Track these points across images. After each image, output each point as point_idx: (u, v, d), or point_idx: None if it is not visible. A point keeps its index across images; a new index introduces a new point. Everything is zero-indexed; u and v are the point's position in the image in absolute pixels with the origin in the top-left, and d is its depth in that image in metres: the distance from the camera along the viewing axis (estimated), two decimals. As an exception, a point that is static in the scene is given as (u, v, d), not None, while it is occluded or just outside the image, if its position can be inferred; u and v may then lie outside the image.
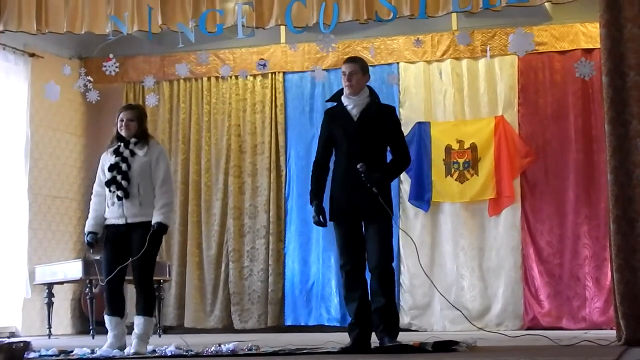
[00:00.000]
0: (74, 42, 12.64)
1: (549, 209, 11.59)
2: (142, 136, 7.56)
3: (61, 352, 7.32)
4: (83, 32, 10.05)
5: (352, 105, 7.13)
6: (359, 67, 7.18)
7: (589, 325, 11.09)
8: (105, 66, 10.49)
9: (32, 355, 7.08)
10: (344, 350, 6.72)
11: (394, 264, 7.10)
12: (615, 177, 7.23)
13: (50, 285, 11.67)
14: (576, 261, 11.45)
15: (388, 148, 7.20)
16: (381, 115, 7.14)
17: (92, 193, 7.74)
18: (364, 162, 6.86)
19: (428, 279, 9.62)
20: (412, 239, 7.43)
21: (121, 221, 7.40)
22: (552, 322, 11.33)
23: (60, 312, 12.37)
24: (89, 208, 7.75)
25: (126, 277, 7.57)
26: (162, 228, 7.38)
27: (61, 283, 11.77)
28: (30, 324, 11.92)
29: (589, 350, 6.56)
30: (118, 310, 7.53)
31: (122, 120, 7.53)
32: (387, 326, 6.91)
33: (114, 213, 7.43)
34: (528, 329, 11.09)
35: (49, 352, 7.28)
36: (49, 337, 11.29)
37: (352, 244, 7.02)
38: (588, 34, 11.43)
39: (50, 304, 11.63)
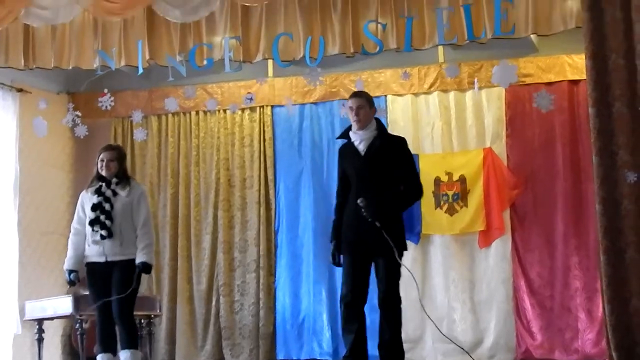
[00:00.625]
0: (61, 76, 12.65)
1: (539, 239, 11.57)
2: (123, 176, 7.65)
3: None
4: (71, 67, 10.07)
5: (359, 140, 7.16)
6: (365, 100, 7.22)
7: (582, 357, 11.06)
8: (100, 101, 10.48)
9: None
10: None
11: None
12: (604, 208, 7.26)
13: (40, 321, 11.60)
14: (567, 292, 11.40)
15: None
16: (390, 148, 7.14)
17: (70, 231, 7.79)
18: (373, 196, 6.88)
19: (426, 314, 9.58)
20: (411, 273, 7.42)
21: (101, 259, 7.51)
22: (545, 354, 11.28)
23: (51, 348, 12.29)
24: None
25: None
26: (147, 267, 7.49)
27: (51, 319, 11.71)
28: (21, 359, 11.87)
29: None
30: (111, 347, 7.57)
31: (102, 161, 7.62)
32: None
33: (94, 251, 7.52)
34: (520, 361, 11.07)
35: (38, 389, 7.24)
36: (39, 373, 11.25)
37: (355, 277, 7.03)
38: (574, 65, 11.45)
39: (40, 340, 11.56)
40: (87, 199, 7.64)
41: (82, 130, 10.49)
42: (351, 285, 7.00)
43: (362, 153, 7.07)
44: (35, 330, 11.60)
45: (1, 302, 11.67)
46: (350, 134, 7.21)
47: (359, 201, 6.85)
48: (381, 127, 7.26)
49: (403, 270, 7.09)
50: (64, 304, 11.08)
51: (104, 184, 7.58)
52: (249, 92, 11.97)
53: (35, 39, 10.00)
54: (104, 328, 7.59)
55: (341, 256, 7.16)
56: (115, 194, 7.56)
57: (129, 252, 7.52)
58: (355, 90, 8.97)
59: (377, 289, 7.04)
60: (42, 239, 12.54)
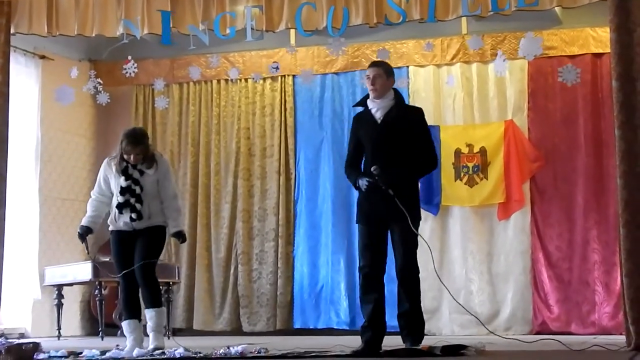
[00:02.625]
0: (84, 44, 12.67)
1: (558, 213, 11.57)
2: (149, 158, 7.65)
3: (70, 353, 7.34)
4: (94, 34, 10.06)
5: (376, 108, 7.15)
6: (383, 70, 7.19)
7: (598, 330, 11.07)
8: (124, 68, 10.49)
9: (41, 356, 7.09)
10: (355, 353, 6.73)
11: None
12: (625, 182, 7.23)
13: (59, 287, 11.71)
14: (585, 266, 11.42)
15: None
16: (406, 118, 7.13)
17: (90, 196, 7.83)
18: (388, 164, 6.88)
19: (442, 283, 9.60)
20: (426, 242, 7.41)
21: (129, 228, 7.55)
22: (561, 327, 11.31)
23: (70, 314, 12.40)
24: None
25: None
26: (183, 236, 7.64)
27: (71, 285, 11.82)
28: (39, 325, 11.96)
29: (598, 355, 6.55)
30: (136, 313, 7.65)
31: (128, 154, 7.57)
32: (411, 331, 6.96)
33: (121, 225, 7.57)
34: (537, 333, 11.08)
35: (58, 354, 7.28)
36: (59, 339, 11.34)
37: (372, 247, 7.03)
38: (598, 38, 11.41)
39: (59, 306, 11.68)
40: (112, 175, 7.62)
41: (103, 98, 10.50)
42: (369, 255, 7.01)
43: (379, 121, 7.07)
44: (55, 296, 11.72)
45: (22, 268, 11.76)
46: (368, 102, 7.21)
47: (372, 169, 6.85)
48: (399, 97, 7.24)
49: (421, 241, 7.09)
50: (84, 270, 11.18)
51: (129, 165, 7.59)
52: (274, 62, 11.96)
53: (59, 6, 9.99)
54: (129, 295, 7.65)
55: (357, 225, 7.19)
56: (142, 173, 7.58)
57: (155, 220, 7.59)
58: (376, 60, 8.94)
59: (394, 259, 7.05)
60: (62, 206, 12.62)
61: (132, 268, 7.56)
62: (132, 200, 7.55)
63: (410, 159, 7.08)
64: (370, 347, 6.83)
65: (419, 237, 7.03)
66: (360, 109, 7.38)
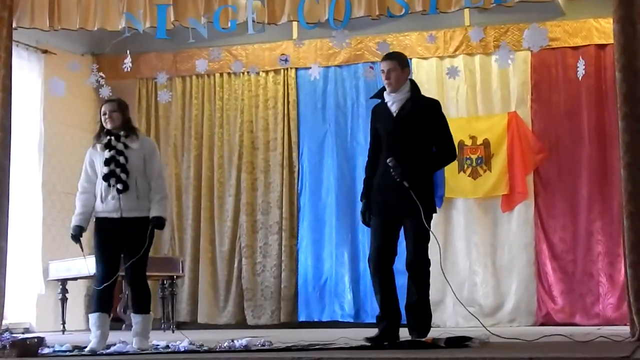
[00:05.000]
0: (86, 38, 12.69)
1: (562, 205, 11.58)
2: (129, 128, 7.51)
3: (75, 347, 7.33)
4: (96, 28, 10.04)
5: (392, 101, 7.12)
6: (397, 63, 7.15)
7: (602, 321, 11.09)
8: (124, 63, 10.49)
9: (46, 350, 7.09)
10: (369, 340, 6.73)
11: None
12: (629, 174, 7.21)
13: (64, 281, 11.73)
14: (589, 257, 11.43)
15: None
16: (423, 110, 7.10)
17: (77, 191, 7.64)
18: (404, 158, 6.87)
19: (445, 279, 9.60)
20: (436, 238, 7.40)
21: (116, 215, 7.26)
22: (565, 318, 11.33)
23: (74, 308, 12.40)
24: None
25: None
26: (161, 222, 7.34)
27: (75, 279, 11.82)
28: (44, 319, 11.98)
29: (603, 346, 6.54)
30: (107, 307, 7.44)
31: (104, 114, 7.45)
32: (417, 323, 6.95)
33: (109, 207, 7.27)
34: (541, 325, 11.11)
35: (63, 348, 7.28)
36: (63, 333, 11.36)
37: (382, 238, 7.02)
38: (601, 29, 11.39)
39: (64, 300, 11.70)
40: (97, 155, 7.44)
41: (106, 92, 10.49)
42: (378, 245, 6.99)
43: (394, 114, 7.05)
44: (59, 290, 11.73)
45: (25, 263, 11.77)
46: (385, 94, 7.19)
47: (388, 161, 6.83)
48: (415, 89, 7.21)
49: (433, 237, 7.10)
50: (88, 264, 11.16)
51: (112, 138, 7.42)
52: (283, 54, 11.95)
53: (61, 0, 9.99)
54: (104, 287, 7.39)
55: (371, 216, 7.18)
56: (126, 146, 7.41)
57: (144, 206, 7.27)
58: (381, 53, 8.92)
59: (406, 252, 7.04)
60: (66, 200, 12.60)
61: (112, 271, 7.35)
62: (118, 170, 7.32)
63: (426, 152, 7.08)
64: (384, 336, 6.83)
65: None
66: (377, 100, 7.36)
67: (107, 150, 7.38)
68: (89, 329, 12.15)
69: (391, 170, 6.85)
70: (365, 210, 7.13)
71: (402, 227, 7.06)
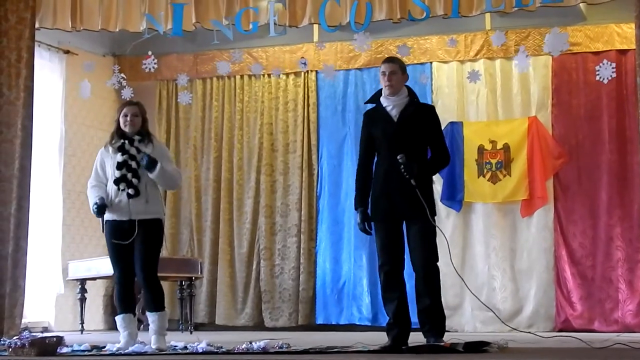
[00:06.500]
0: (108, 39, 12.72)
1: (582, 210, 11.52)
2: (145, 133, 7.52)
3: (93, 347, 7.37)
4: (117, 29, 10.10)
5: (391, 105, 7.12)
6: (398, 67, 7.18)
7: (621, 328, 11.03)
8: (144, 64, 10.52)
9: (64, 350, 7.13)
10: (383, 349, 6.72)
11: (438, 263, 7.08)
12: (649, 179, 7.20)
13: (83, 281, 11.77)
14: (609, 263, 11.37)
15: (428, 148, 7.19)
16: (420, 115, 7.12)
17: (87, 187, 7.65)
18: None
19: (460, 278, 9.58)
20: (444, 235, 7.38)
21: (124, 217, 7.30)
22: (584, 324, 11.26)
23: (93, 308, 12.46)
24: None
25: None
26: (154, 163, 7.27)
27: (94, 279, 11.86)
28: (63, 319, 12.02)
29: (621, 352, 6.51)
30: (131, 307, 7.53)
31: (126, 116, 7.44)
32: (432, 326, 6.93)
33: (118, 210, 7.30)
34: (559, 331, 11.04)
35: (82, 348, 7.32)
36: (82, 333, 11.39)
37: (391, 244, 7.01)
38: (623, 34, 11.35)
39: (83, 300, 11.74)
40: (109, 157, 7.45)
41: (127, 93, 10.54)
42: (388, 253, 6.98)
43: (395, 119, 7.05)
44: (78, 290, 11.77)
45: (45, 262, 11.81)
46: (382, 99, 7.19)
47: (398, 157, 6.82)
48: (412, 94, 7.24)
49: (442, 238, 7.08)
50: (107, 265, 11.11)
51: (126, 142, 7.41)
52: (302, 57, 11.97)
53: (83, 1, 10.02)
54: (124, 288, 7.45)
55: (371, 223, 7.14)
56: (139, 151, 7.41)
57: (153, 210, 7.31)
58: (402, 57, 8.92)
59: (412, 253, 7.01)
60: (86, 200, 12.55)
61: (128, 270, 7.40)
62: (129, 175, 7.34)
63: (423, 156, 7.10)
64: (397, 343, 6.82)
65: (438, 230, 7.01)
66: (371, 105, 7.35)
67: (120, 154, 7.40)
68: (107, 329, 12.29)
69: (401, 167, 6.83)
70: (363, 219, 7.09)
71: (408, 231, 7.03)
